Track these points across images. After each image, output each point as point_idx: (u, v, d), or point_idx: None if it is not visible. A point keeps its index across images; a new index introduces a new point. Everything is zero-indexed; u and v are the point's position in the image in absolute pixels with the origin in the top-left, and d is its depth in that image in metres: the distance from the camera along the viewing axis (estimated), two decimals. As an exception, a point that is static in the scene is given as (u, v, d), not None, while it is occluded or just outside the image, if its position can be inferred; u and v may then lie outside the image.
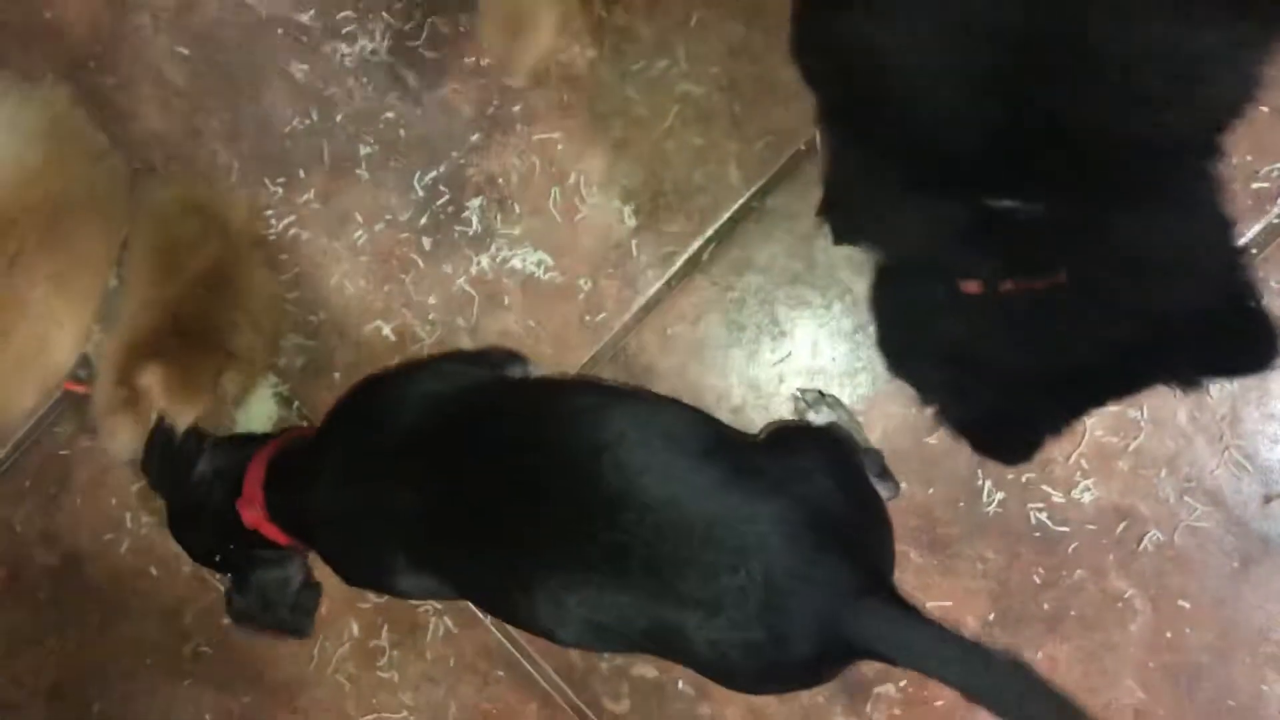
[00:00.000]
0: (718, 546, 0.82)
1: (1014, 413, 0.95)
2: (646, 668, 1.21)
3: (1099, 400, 0.98)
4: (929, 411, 1.01)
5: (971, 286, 0.90)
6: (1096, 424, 1.14)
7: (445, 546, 0.93)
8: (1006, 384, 0.93)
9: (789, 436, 1.00)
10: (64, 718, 1.29)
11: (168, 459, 1.06)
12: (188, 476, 1.06)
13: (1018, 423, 0.97)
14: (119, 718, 1.29)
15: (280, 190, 1.22)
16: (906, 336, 1.01)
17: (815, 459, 0.90)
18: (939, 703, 1.17)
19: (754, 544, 0.82)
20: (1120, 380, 0.94)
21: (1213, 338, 0.87)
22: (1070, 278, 0.87)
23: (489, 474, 0.90)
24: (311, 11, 1.21)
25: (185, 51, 1.23)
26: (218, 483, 1.05)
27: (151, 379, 1.03)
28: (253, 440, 1.10)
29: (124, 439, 1.08)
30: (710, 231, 1.19)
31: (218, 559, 1.10)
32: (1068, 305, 0.88)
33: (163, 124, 1.23)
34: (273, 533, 1.02)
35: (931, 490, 1.16)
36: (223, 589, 1.24)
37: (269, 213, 1.23)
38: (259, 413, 1.22)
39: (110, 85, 1.23)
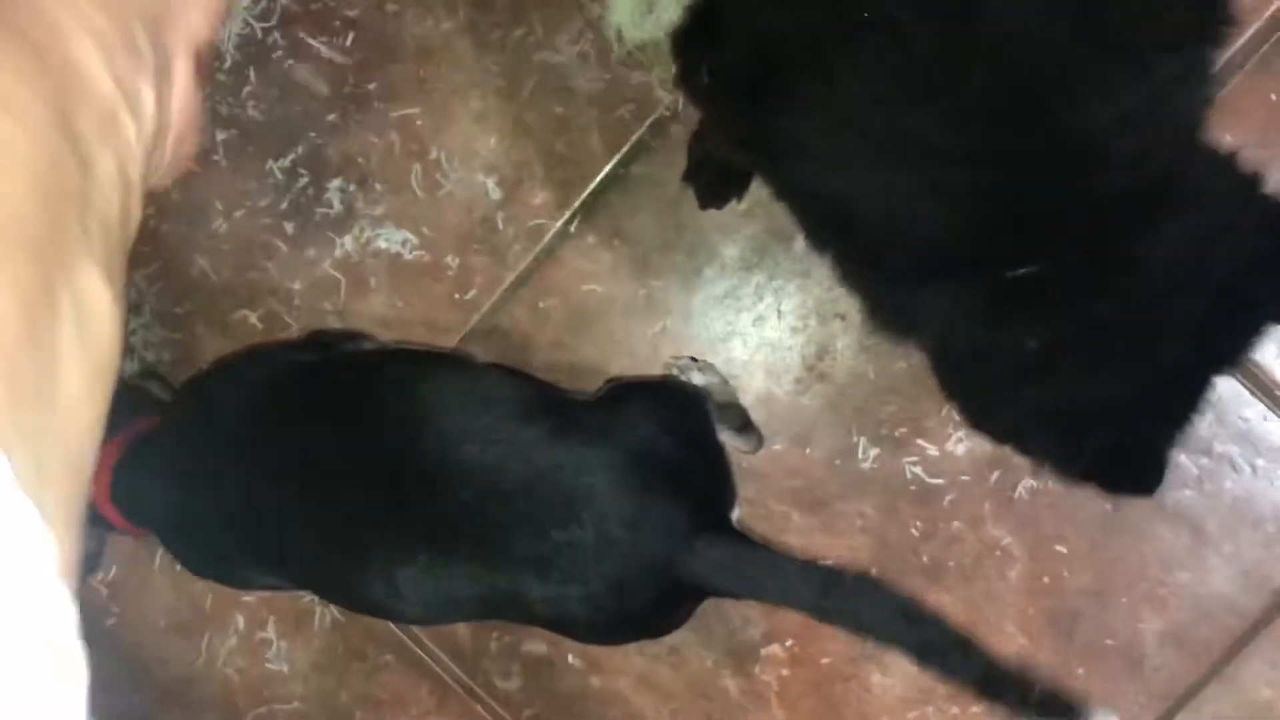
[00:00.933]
0: (545, 503, 0.82)
1: (1130, 443, 0.89)
2: (536, 644, 1.20)
3: (1197, 397, 0.93)
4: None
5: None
6: (967, 376, 1.14)
7: (274, 535, 0.91)
8: (1109, 420, 0.87)
9: (618, 390, 1.00)
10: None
11: None
12: None
13: (1138, 450, 0.91)
14: None
15: (134, 180, 1.19)
16: (999, 411, 0.94)
17: (642, 407, 0.90)
18: (825, 660, 1.18)
19: (581, 495, 0.82)
20: (1205, 366, 0.89)
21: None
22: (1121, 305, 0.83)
23: (311, 456, 0.89)
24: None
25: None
26: None
27: None
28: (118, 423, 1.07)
29: None
30: (577, 203, 1.17)
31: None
32: (1127, 325, 0.84)
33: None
34: (112, 515, 1.00)
35: (809, 450, 1.16)
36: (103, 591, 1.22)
37: (124, 204, 1.19)
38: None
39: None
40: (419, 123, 1.17)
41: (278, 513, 0.90)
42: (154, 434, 1.00)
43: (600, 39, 1.16)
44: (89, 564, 1.14)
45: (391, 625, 1.21)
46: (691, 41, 0.92)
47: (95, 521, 1.02)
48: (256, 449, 0.91)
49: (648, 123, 1.16)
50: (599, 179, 1.17)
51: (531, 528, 0.82)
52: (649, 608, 0.86)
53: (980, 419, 0.92)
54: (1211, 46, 0.77)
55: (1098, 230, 0.76)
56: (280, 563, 0.94)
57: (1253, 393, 1.12)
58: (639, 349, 1.18)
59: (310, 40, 1.17)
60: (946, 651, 0.81)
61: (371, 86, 1.18)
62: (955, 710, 1.18)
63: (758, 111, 0.80)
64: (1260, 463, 1.12)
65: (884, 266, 0.81)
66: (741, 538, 0.85)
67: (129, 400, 1.09)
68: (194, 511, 0.95)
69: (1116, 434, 0.83)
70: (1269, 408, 1.12)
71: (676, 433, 0.89)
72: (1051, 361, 0.81)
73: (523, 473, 0.82)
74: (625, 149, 1.16)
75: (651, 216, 1.17)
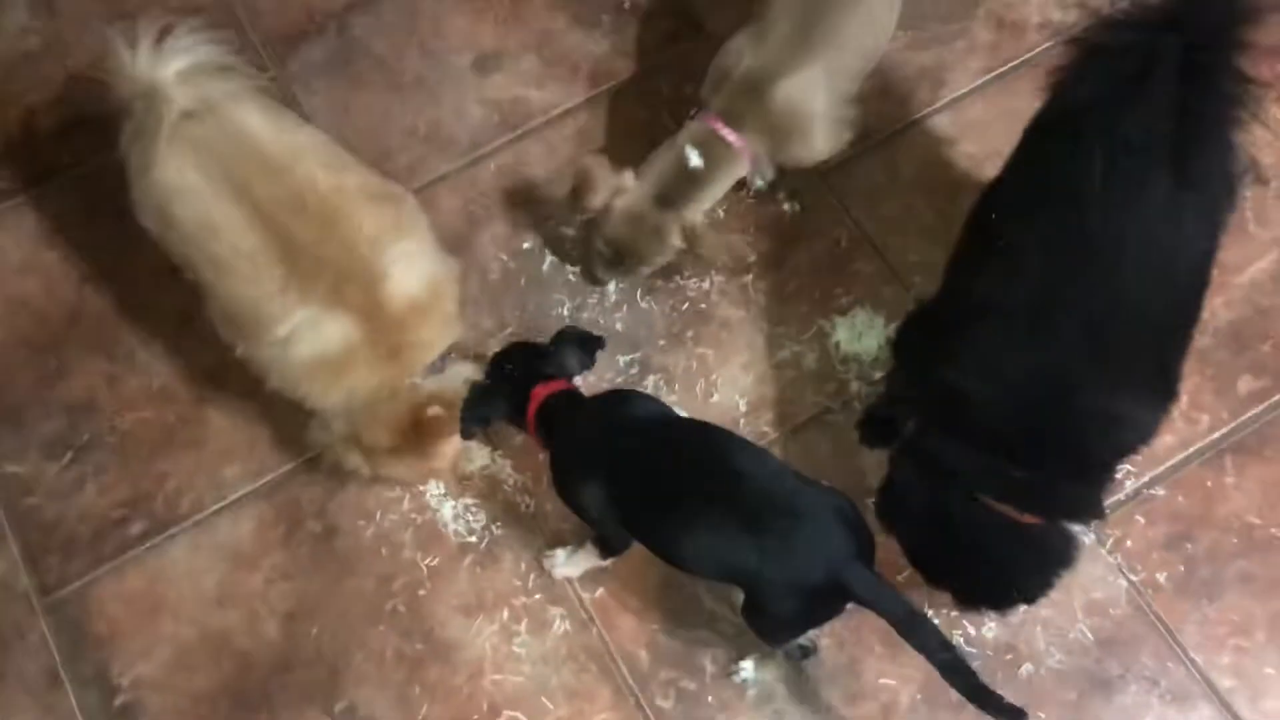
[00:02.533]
0: (789, 515, 1.55)
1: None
2: (690, 682, 1.83)
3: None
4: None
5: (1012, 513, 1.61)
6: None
7: (628, 494, 1.66)
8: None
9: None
10: (292, 634, 1.89)
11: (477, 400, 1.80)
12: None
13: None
14: (329, 642, 1.89)
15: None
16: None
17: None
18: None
19: (810, 515, 1.55)
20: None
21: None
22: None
23: (669, 465, 1.65)
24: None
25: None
26: (527, 374, 1.79)
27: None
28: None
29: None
30: (787, 429, 1.97)
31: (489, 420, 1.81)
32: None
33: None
34: (531, 416, 1.74)
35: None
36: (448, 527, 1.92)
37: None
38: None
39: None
40: (710, 358, 2.02)
41: (638, 486, 1.65)
42: (575, 395, 1.77)
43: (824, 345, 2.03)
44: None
45: (600, 643, 1.85)
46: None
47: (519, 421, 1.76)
48: (630, 447, 1.69)
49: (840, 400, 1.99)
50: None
51: (780, 527, 1.55)
52: (820, 594, 1.56)
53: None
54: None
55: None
56: (629, 513, 1.67)
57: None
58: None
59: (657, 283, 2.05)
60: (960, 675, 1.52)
61: (691, 326, 2.04)
62: None
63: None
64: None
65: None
66: (879, 575, 1.56)
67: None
68: (578, 455, 1.71)
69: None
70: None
71: (857, 516, 1.63)
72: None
73: (783, 495, 1.57)
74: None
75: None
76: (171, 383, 2.07)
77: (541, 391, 1.77)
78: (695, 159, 1.91)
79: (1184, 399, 1.95)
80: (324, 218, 1.70)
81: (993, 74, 2.25)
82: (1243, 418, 1.95)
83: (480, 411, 1.79)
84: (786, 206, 2.15)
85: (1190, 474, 1.92)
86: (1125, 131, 1.47)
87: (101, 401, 2.07)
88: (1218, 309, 2.03)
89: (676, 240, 1.93)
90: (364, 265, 1.71)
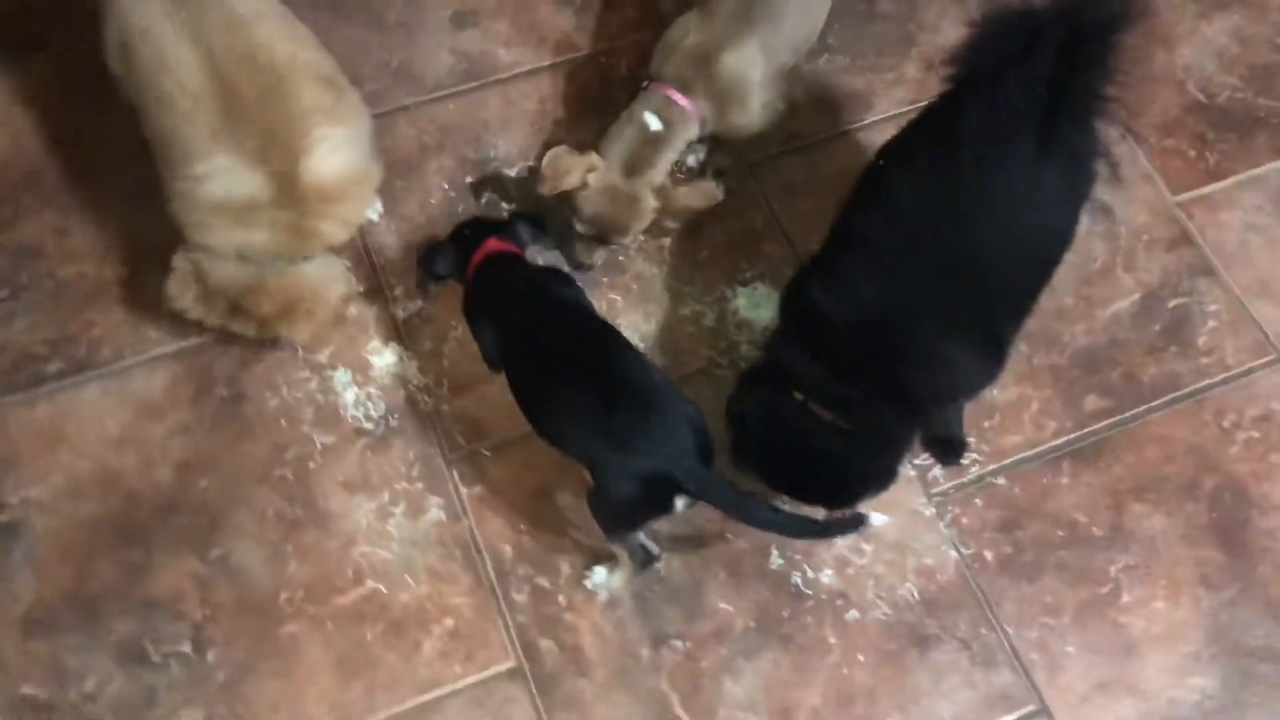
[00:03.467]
0: (646, 404, 1.75)
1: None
2: (545, 581, 1.96)
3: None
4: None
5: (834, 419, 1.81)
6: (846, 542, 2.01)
7: (512, 358, 1.90)
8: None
9: None
10: (183, 483, 2.01)
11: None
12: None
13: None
14: (215, 495, 2.00)
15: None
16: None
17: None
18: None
19: (667, 410, 1.74)
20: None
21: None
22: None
23: (557, 338, 1.88)
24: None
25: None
26: (484, 228, 2.06)
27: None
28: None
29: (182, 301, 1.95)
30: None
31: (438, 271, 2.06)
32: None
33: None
34: (472, 264, 1.98)
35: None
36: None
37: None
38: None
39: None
40: (618, 304, 2.19)
41: (519, 338, 1.90)
42: (517, 255, 2.03)
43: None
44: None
45: (471, 535, 1.98)
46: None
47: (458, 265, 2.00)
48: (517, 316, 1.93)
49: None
50: (693, 369, 2.15)
51: (632, 414, 1.73)
52: (653, 482, 1.73)
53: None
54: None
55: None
56: (506, 360, 1.91)
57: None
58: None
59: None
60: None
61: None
62: None
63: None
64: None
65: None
66: (710, 472, 1.75)
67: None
68: (487, 294, 1.98)
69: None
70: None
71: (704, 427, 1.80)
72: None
73: (644, 389, 1.76)
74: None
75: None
76: (116, 245, 2.20)
77: (492, 245, 2.00)
78: (655, 123, 2.10)
79: (1034, 406, 2.16)
80: (268, 80, 1.83)
81: (914, 105, 2.46)
82: (1084, 430, 2.14)
83: (433, 263, 2.05)
84: (712, 184, 2.34)
85: (1030, 470, 2.10)
86: (1002, 96, 1.67)
87: (48, 250, 2.20)
88: (1078, 334, 2.23)
89: (652, 203, 2.10)
90: (292, 135, 1.83)
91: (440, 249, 2.07)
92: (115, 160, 2.26)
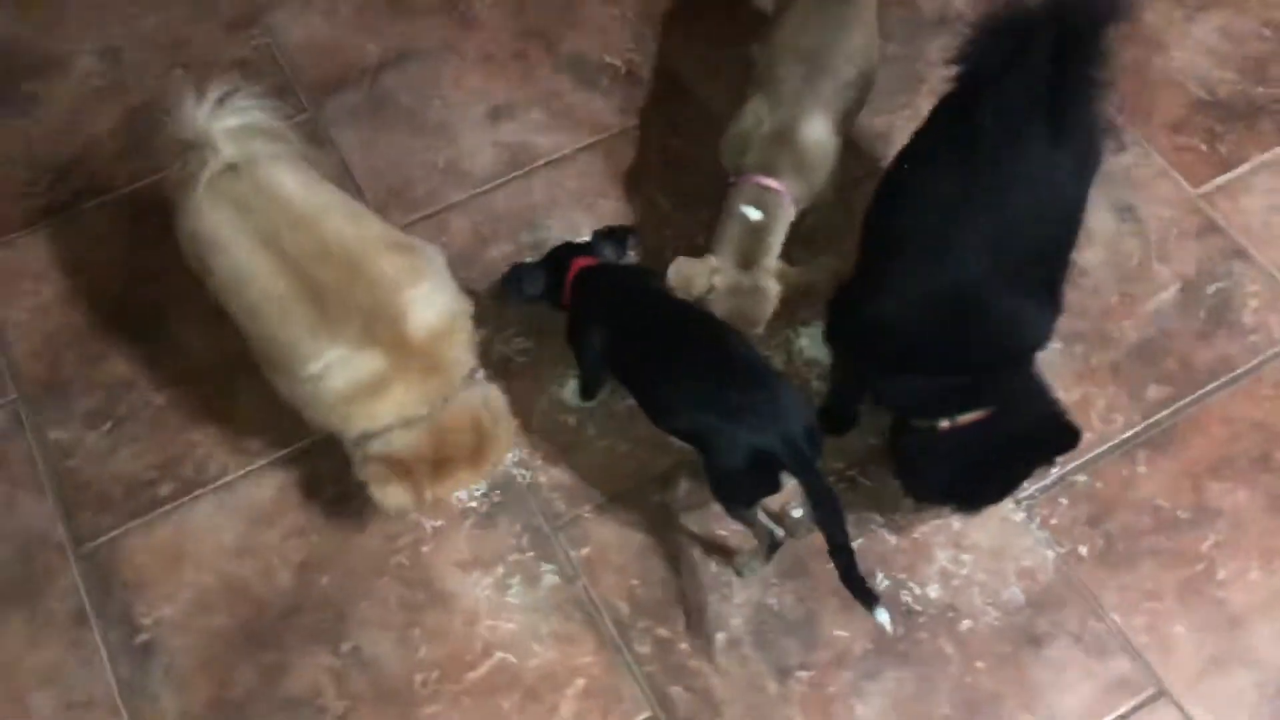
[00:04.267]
0: (755, 386, 1.88)
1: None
2: (665, 631, 2.03)
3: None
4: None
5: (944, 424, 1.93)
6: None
7: (624, 353, 2.03)
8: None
9: None
10: (304, 583, 2.08)
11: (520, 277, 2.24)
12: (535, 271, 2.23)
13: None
14: (337, 590, 2.08)
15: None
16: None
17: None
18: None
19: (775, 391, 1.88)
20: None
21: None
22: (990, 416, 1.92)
23: (670, 326, 2.02)
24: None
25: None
26: (571, 249, 2.23)
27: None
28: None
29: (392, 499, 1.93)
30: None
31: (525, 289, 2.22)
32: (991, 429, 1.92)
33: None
34: (569, 281, 2.16)
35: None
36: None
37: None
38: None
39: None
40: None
41: (631, 332, 2.04)
42: (607, 265, 2.20)
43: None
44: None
45: (587, 594, 2.06)
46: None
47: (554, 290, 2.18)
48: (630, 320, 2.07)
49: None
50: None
51: (746, 392, 1.86)
52: (762, 458, 1.83)
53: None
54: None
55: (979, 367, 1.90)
56: (620, 367, 2.06)
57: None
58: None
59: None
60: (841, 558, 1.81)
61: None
62: None
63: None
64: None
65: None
66: (815, 460, 1.85)
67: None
68: (593, 304, 2.13)
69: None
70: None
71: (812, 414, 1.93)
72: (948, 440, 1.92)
73: (759, 371, 1.91)
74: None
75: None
76: (203, 366, 2.31)
77: (580, 263, 2.15)
78: (755, 214, 2.20)
79: (1100, 403, 2.26)
80: (348, 264, 1.89)
81: (936, 138, 2.61)
82: (1151, 419, 2.24)
83: (522, 283, 2.21)
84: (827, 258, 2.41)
85: (1107, 464, 2.19)
86: (1008, 92, 1.84)
87: (140, 379, 2.30)
88: (1128, 330, 2.34)
89: (775, 289, 2.18)
90: (387, 307, 1.88)
91: (529, 271, 2.21)
92: (188, 284, 2.35)
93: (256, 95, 2.06)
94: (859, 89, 2.37)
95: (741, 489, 1.92)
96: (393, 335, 1.88)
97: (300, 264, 1.89)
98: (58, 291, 2.41)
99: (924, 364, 1.90)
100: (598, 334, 2.09)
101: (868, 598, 1.80)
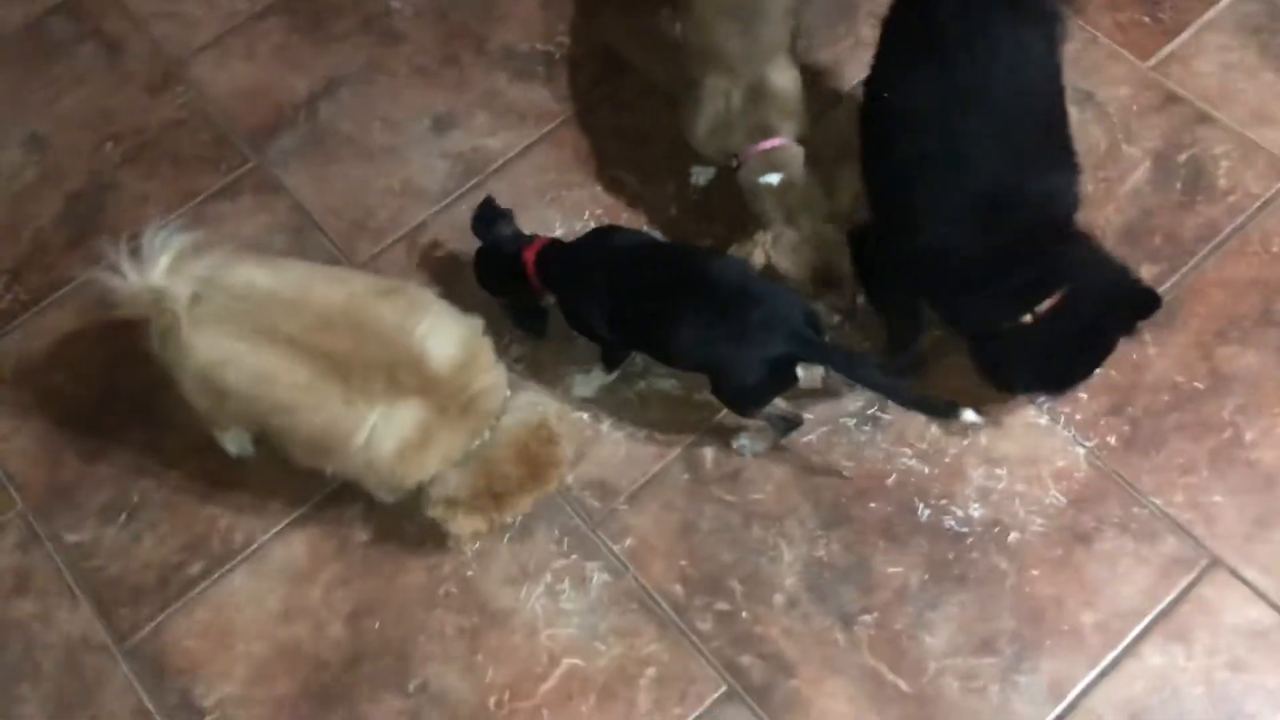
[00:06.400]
0: (748, 304, 1.93)
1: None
2: (724, 604, 2.03)
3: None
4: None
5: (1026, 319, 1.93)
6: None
7: (619, 309, 2.04)
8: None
9: None
10: (357, 632, 2.07)
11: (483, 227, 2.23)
12: (493, 233, 2.20)
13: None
14: (393, 632, 2.06)
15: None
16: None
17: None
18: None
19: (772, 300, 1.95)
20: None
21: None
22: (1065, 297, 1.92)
23: (655, 278, 2.04)
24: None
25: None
26: (513, 240, 2.17)
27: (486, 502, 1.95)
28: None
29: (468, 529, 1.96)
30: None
31: (499, 290, 2.20)
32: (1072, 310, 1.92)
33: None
34: (532, 275, 2.10)
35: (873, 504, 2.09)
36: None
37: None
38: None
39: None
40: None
41: (625, 299, 2.04)
42: (558, 243, 2.17)
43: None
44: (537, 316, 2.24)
45: (639, 584, 2.05)
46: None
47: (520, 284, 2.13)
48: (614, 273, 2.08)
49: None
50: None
51: (744, 312, 1.92)
52: (778, 363, 1.92)
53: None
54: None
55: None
56: (616, 324, 2.07)
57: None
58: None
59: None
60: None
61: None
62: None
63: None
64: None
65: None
66: (822, 339, 1.96)
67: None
68: (580, 286, 2.09)
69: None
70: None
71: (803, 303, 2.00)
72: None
73: (746, 286, 1.97)
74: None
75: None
76: (206, 437, 2.26)
77: (528, 254, 2.14)
78: (773, 178, 2.18)
79: (1099, 292, 2.25)
80: (352, 326, 1.88)
81: (882, 61, 2.60)
82: (1151, 297, 2.25)
83: (521, 315, 2.24)
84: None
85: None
86: None
87: (146, 464, 2.26)
88: (1110, 215, 2.35)
89: (830, 230, 2.15)
90: (403, 350, 1.87)
91: (515, 295, 2.21)
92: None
93: (159, 227, 1.96)
94: (793, 14, 2.34)
95: (764, 395, 2.02)
96: (419, 378, 1.87)
97: (308, 343, 1.86)
98: (40, 394, 2.36)
99: (984, 273, 1.91)
100: (594, 306, 2.09)
101: (943, 409, 1.92)
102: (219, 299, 1.90)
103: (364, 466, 1.91)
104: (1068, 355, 1.98)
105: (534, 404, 2.03)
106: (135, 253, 1.92)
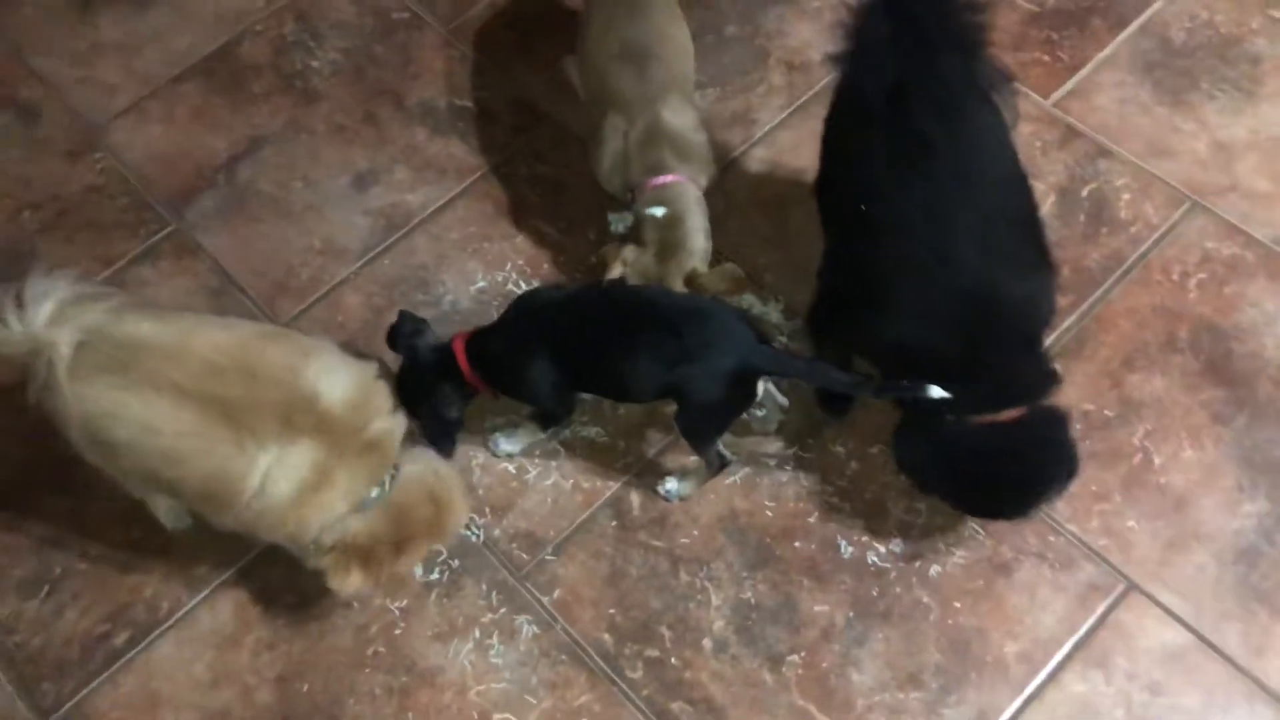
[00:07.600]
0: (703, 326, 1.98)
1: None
2: (653, 650, 2.04)
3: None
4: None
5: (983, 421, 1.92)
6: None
7: (571, 360, 2.05)
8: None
9: None
10: (287, 695, 2.05)
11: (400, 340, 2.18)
12: (413, 347, 2.14)
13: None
14: (322, 694, 2.05)
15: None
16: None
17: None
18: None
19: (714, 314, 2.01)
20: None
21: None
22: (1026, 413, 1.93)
23: (598, 321, 2.06)
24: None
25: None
26: (432, 350, 2.14)
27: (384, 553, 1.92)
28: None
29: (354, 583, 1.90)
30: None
31: (421, 405, 2.12)
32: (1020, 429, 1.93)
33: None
34: (465, 366, 2.08)
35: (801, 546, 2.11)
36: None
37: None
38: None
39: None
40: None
41: (573, 347, 2.06)
42: (482, 329, 2.13)
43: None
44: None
45: (568, 635, 2.06)
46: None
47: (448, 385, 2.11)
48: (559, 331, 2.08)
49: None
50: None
51: (696, 330, 1.96)
52: (737, 378, 1.97)
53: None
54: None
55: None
56: (570, 377, 2.08)
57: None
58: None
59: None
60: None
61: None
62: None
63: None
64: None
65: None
66: (776, 349, 2.02)
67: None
68: (521, 354, 2.07)
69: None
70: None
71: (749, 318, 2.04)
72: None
73: (690, 306, 2.04)
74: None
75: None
76: (129, 504, 2.23)
77: (457, 345, 2.12)
78: (658, 210, 2.23)
79: (1009, 325, 2.31)
80: (240, 369, 1.85)
81: (793, 106, 2.66)
82: (1062, 328, 2.31)
83: (447, 411, 2.16)
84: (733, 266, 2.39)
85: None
86: (930, 81, 1.89)
87: (67, 536, 2.23)
88: (1019, 250, 2.40)
89: (680, 286, 2.20)
90: (295, 389, 1.85)
91: (441, 398, 2.14)
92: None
93: (44, 275, 1.93)
94: (687, 55, 2.42)
95: (729, 413, 2.06)
96: (314, 418, 1.85)
97: (197, 389, 1.83)
98: (-42, 465, 2.32)
99: (952, 368, 1.88)
100: (543, 369, 2.07)
101: (912, 389, 1.90)
102: (105, 348, 1.86)
103: (259, 515, 1.86)
104: (1008, 471, 1.95)
105: (433, 454, 2.03)
106: (18, 300, 1.87)
